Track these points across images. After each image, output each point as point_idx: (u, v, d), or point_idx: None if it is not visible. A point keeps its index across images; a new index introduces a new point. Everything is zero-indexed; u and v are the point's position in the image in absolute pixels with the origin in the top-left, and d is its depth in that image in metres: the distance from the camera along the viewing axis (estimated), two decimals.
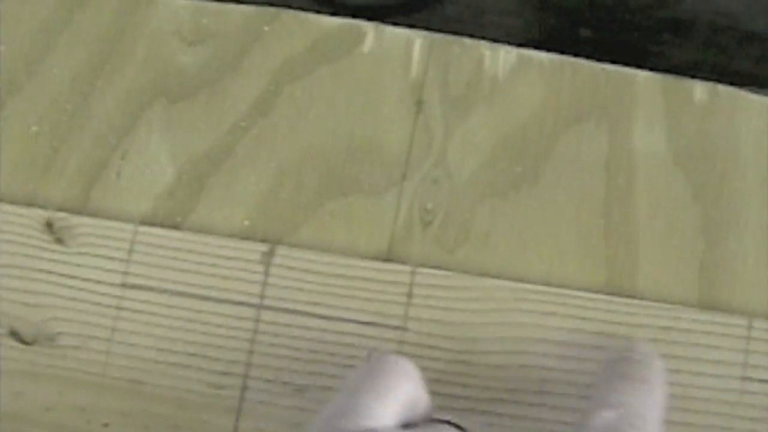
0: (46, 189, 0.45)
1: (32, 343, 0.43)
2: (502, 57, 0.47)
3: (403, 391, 0.36)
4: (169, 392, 0.43)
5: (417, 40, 0.48)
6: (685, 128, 0.46)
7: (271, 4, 0.49)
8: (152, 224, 0.45)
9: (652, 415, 0.37)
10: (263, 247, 0.44)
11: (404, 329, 0.43)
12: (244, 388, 0.43)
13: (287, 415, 0.43)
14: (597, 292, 0.44)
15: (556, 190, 0.46)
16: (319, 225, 0.45)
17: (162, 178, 0.46)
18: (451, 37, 0.48)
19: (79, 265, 0.44)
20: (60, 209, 0.45)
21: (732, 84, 0.55)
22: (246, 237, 0.45)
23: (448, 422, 0.37)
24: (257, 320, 0.44)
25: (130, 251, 0.44)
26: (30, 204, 0.45)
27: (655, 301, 0.44)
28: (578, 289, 0.44)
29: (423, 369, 0.43)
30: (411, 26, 0.49)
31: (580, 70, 0.47)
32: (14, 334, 0.43)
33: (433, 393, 0.43)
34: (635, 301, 0.44)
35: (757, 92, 0.49)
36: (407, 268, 0.44)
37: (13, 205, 0.45)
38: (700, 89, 0.47)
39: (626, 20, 0.63)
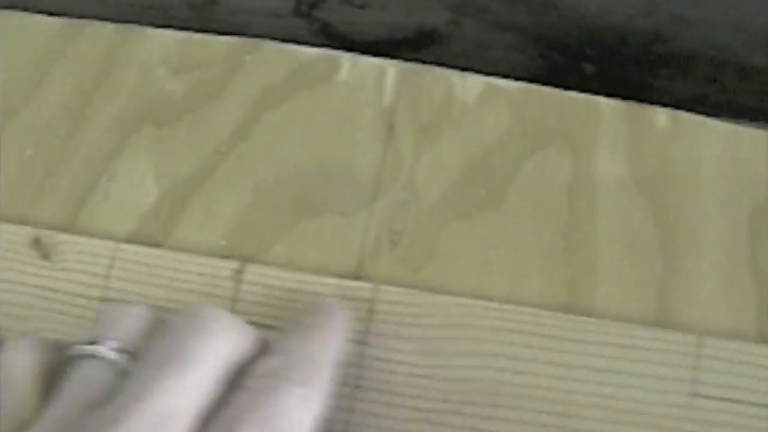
0: (38, 208, 0.48)
1: None
2: (471, 85, 0.49)
3: (215, 355, 0.36)
4: None
5: (390, 69, 0.50)
6: (647, 153, 0.48)
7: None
8: (135, 243, 0.47)
9: (322, 357, 0.38)
10: (235, 265, 0.46)
11: (365, 344, 0.45)
12: None
13: None
14: (556, 310, 0.45)
15: (519, 212, 0.47)
16: (292, 245, 0.47)
17: (146, 200, 0.48)
18: (422, 66, 0.50)
19: (61, 280, 0.47)
20: (49, 228, 0.47)
21: (737, 119, 0.56)
22: (222, 256, 0.47)
23: None
24: None
25: (110, 267, 0.47)
26: (22, 222, 0.48)
27: (613, 319, 0.45)
28: (538, 307, 0.45)
29: (384, 382, 0.45)
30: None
31: (545, 98, 0.49)
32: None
33: (396, 406, 0.44)
34: (591, 319, 0.45)
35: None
36: (369, 285, 0.46)
37: (5, 223, 0.48)
38: (662, 116, 0.48)
39: (627, 56, 0.64)
